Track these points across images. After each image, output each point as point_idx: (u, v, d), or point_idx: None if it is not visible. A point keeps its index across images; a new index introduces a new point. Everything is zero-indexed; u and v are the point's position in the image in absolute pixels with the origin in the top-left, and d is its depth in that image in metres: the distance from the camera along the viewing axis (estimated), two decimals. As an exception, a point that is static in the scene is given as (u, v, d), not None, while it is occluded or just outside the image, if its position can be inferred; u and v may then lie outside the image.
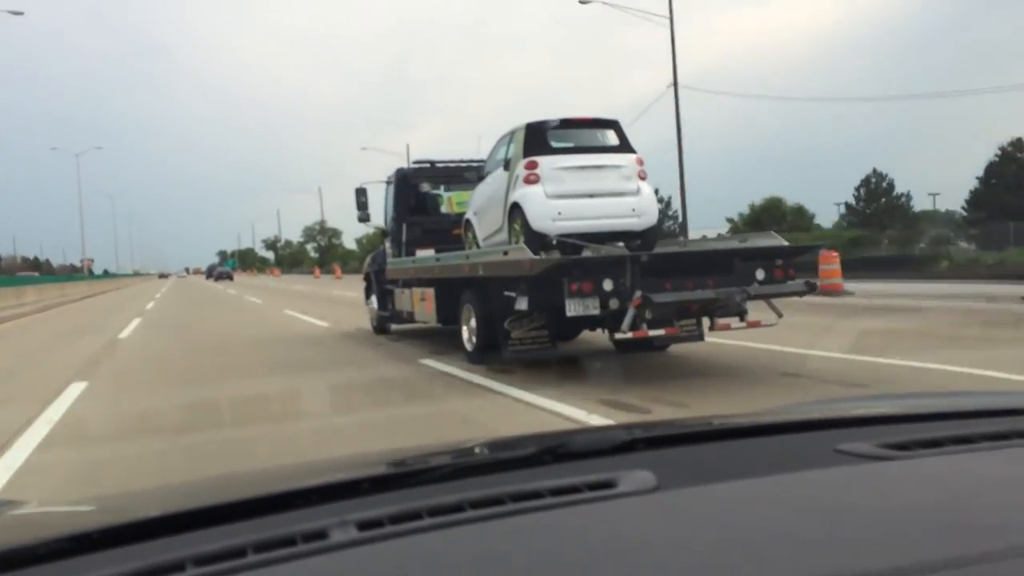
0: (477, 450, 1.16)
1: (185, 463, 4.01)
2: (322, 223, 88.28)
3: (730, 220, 46.95)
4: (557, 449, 1.03)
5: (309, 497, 0.89)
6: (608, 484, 0.86)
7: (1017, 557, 0.64)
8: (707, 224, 32.62)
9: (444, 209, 10.10)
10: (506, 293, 6.56)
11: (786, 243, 6.90)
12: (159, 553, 0.75)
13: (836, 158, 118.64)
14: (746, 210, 46.24)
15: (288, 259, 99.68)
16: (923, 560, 0.64)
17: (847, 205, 48.94)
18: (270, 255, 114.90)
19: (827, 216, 53.66)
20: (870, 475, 0.91)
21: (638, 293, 5.69)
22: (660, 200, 51.68)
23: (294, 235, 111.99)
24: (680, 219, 50.18)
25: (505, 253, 6.53)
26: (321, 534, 0.76)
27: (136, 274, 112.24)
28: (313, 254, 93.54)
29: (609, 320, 6.32)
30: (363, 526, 0.77)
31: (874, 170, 48.60)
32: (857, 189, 48.73)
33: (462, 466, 1.02)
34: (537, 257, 6.08)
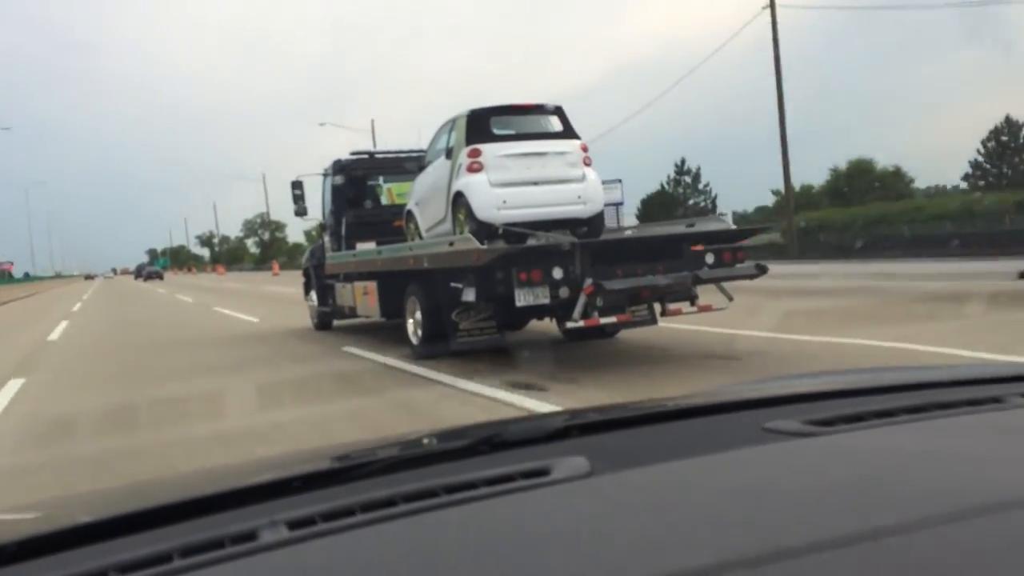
0: (412, 443, 1.16)
1: None
2: (266, 215, 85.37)
3: (776, 193, 38.49)
4: (493, 439, 1.03)
5: (239, 498, 0.87)
6: (542, 472, 0.87)
7: (934, 526, 0.67)
8: (749, 201, 27.17)
9: (384, 200, 9.99)
10: (452, 284, 6.52)
11: (734, 227, 7.06)
12: (79, 563, 0.72)
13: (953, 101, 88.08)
14: (812, 179, 38.65)
15: (226, 255, 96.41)
16: (846, 533, 0.66)
17: (973, 164, 38.64)
18: (205, 252, 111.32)
19: (936, 179, 43.14)
20: (796, 451, 0.94)
21: (589, 281, 5.70)
22: (687, 172, 46.96)
23: (231, 231, 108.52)
24: (714, 194, 45.22)
25: (451, 244, 6.48)
26: (250, 535, 0.74)
27: (58, 276, 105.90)
28: (254, 249, 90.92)
29: (559, 308, 6.35)
30: (293, 525, 0.76)
31: (1007, 118, 37.72)
32: (984, 144, 37.98)
33: (397, 460, 1.01)
34: (484, 247, 6.02)
